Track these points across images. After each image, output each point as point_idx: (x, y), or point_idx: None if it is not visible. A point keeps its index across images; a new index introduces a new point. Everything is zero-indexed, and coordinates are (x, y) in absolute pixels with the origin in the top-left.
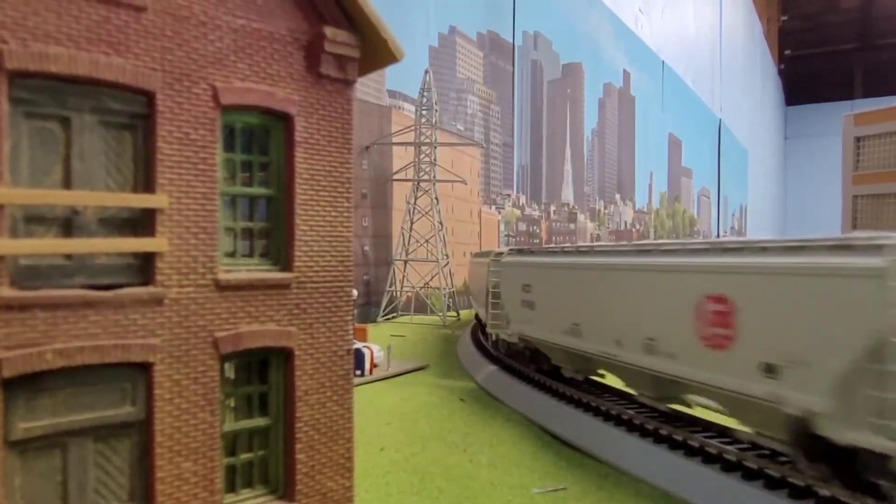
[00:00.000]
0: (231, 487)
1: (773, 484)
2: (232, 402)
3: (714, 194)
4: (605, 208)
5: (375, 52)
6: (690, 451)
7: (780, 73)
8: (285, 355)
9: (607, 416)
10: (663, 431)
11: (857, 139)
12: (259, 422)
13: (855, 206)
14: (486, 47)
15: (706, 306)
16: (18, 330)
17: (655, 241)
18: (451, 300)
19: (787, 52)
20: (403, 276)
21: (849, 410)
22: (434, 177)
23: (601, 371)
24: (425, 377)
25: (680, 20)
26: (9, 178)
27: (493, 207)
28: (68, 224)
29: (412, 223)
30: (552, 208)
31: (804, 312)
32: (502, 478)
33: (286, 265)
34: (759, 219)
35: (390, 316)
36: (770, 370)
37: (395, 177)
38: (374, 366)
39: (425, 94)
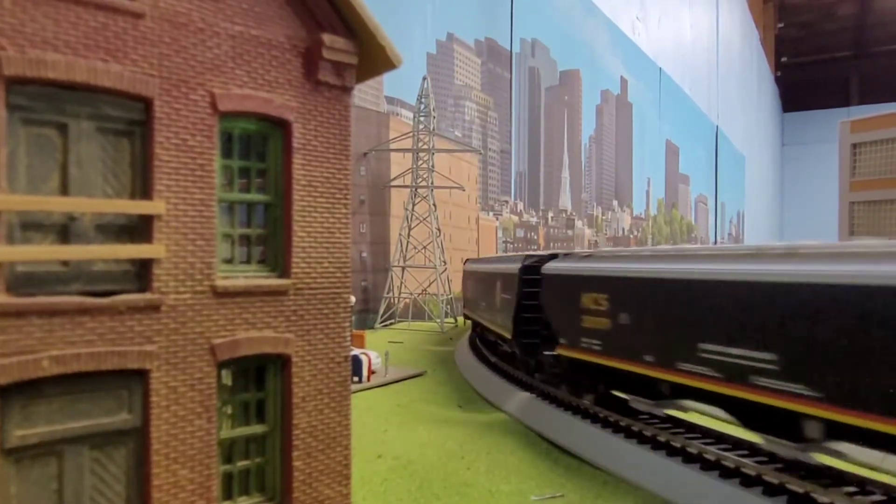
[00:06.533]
0: (228, 495)
1: (771, 490)
2: (229, 409)
3: (711, 201)
4: (603, 215)
5: (373, 58)
6: (688, 458)
7: (777, 80)
8: (282, 362)
9: (605, 423)
10: (661, 438)
11: (854, 146)
12: (256, 429)
13: (852, 212)
14: (483, 54)
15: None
16: (15, 337)
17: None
18: (448, 306)
19: (784, 59)
20: (401, 282)
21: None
22: (431, 183)
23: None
24: (423, 384)
25: (677, 28)
26: (6, 184)
27: (491, 214)
28: (65, 230)
29: (410, 229)
30: (550, 215)
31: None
32: (500, 485)
33: (284, 272)
34: (756, 225)
35: (388, 322)
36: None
37: (393, 183)
38: (371, 372)
39: (423, 100)
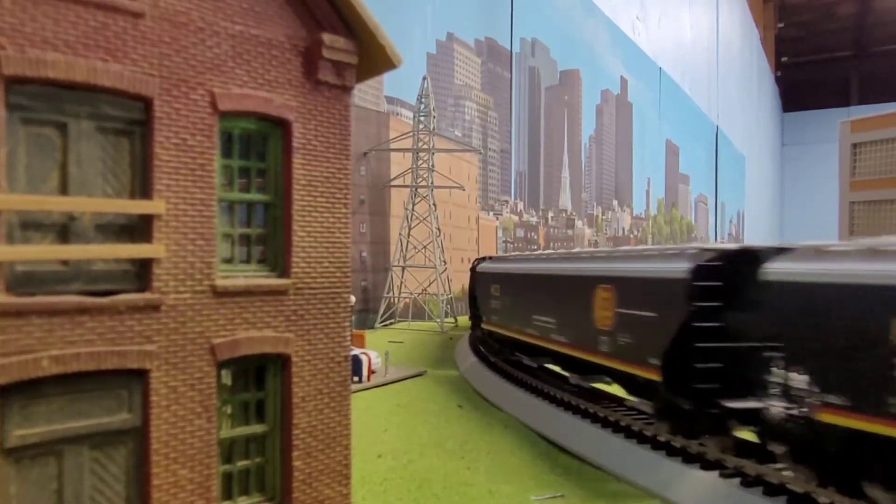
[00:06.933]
0: (228, 495)
1: (771, 490)
2: (229, 409)
3: (711, 201)
4: (603, 215)
5: (373, 58)
6: (689, 458)
7: (777, 80)
8: (282, 362)
9: (605, 423)
10: (661, 438)
11: (854, 146)
12: (256, 429)
13: (852, 212)
14: (483, 54)
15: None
16: (14, 336)
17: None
18: (448, 306)
19: (784, 59)
20: (401, 282)
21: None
22: (432, 183)
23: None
24: (423, 384)
25: (677, 28)
26: (5, 184)
27: (491, 213)
28: (65, 230)
29: (410, 229)
30: (550, 214)
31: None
32: (500, 486)
33: (284, 271)
34: (756, 225)
35: (388, 322)
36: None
37: (393, 183)
38: (371, 372)
39: (423, 100)
